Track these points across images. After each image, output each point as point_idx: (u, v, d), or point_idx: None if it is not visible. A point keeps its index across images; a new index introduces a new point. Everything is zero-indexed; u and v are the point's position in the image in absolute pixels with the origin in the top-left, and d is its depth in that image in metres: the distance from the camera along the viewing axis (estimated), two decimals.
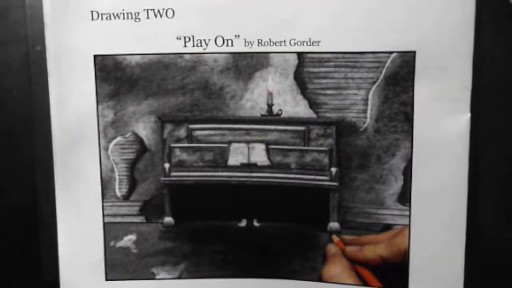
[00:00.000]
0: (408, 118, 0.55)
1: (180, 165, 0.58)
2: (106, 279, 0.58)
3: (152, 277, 0.59)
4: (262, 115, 0.56)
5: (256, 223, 0.58)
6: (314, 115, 0.56)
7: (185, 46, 0.55)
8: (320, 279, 0.58)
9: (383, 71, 0.55)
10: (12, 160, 0.70)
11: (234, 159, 0.57)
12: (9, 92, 0.70)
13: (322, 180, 0.57)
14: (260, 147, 0.57)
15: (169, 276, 0.58)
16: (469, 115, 0.55)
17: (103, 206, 0.58)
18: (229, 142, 0.57)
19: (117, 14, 0.55)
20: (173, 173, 0.57)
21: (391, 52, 0.54)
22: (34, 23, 0.68)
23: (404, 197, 0.56)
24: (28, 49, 0.69)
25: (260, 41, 0.55)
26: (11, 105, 0.69)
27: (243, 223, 0.58)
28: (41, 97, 0.67)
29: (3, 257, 0.70)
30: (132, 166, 0.57)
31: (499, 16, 0.57)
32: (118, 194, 0.57)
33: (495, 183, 0.59)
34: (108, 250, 0.58)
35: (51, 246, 0.68)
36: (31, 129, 0.69)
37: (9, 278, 0.70)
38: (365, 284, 0.57)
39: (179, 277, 0.58)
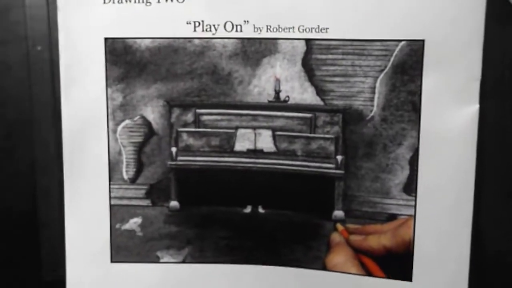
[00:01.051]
0: (416, 108, 0.55)
1: (187, 150, 0.58)
2: (111, 261, 0.59)
3: (156, 260, 0.59)
4: (269, 101, 0.56)
5: (261, 210, 0.58)
6: (321, 102, 0.56)
7: (194, 31, 0.55)
8: (323, 267, 0.58)
9: (391, 60, 0.55)
10: (12, 160, 0.70)
11: (241, 145, 0.57)
12: (9, 92, 0.70)
13: (328, 168, 0.57)
14: (267, 133, 0.57)
15: (173, 260, 0.59)
16: (477, 106, 0.55)
17: (110, 188, 0.58)
18: (236, 128, 0.57)
19: None
20: (179, 158, 0.58)
21: (399, 41, 0.54)
22: (35, 23, 0.68)
23: (410, 187, 0.56)
24: (29, 49, 0.69)
25: (269, 27, 0.55)
26: (11, 105, 0.70)
27: (248, 209, 0.58)
28: (41, 97, 0.68)
29: (3, 257, 0.71)
30: (139, 149, 0.58)
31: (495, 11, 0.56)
32: (125, 177, 0.58)
33: (502, 174, 0.59)
34: (113, 232, 0.59)
35: (50, 246, 0.69)
36: (31, 129, 0.69)
37: (9, 278, 0.71)
38: (368, 274, 0.57)
39: (183, 261, 0.59)
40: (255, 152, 0.57)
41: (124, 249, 0.59)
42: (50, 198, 0.68)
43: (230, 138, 0.57)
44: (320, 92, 0.56)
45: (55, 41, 0.67)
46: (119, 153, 0.58)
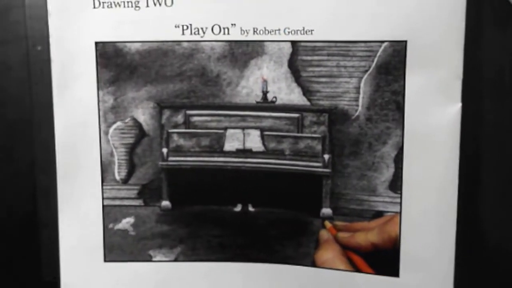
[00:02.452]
0: (399, 107, 0.56)
1: (178, 150, 0.59)
2: (105, 261, 0.60)
3: (149, 259, 0.60)
4: (257, 102, 0.58)
5: (251, 208, 0.59)
6: (307, 103, 0.57)
7: (183, 34, 0.57)
8: (313, 264, 0.59)
9: (375, 60, 0.56)
10: (12, 160, 0.70)
11: (230, 145, 0.59)
12: (9, 92, 0.70)
13: (315, 166, 0.58)
14: (255, 133, 0.58)
15: (166, 259, 0.60)
16: (460, 104, 0.56)
17: (102, 189, 0.59)
18: (225, 128, 0.58)
19: (118, 3, 0.57)
20: (170, 158, 0.59)
21: (382, 42, 0.56)
22: (34, 23, 0.68)
23: (396, 184, 0.57)
24: (28, 49, 0.69)
25: (255, 29, 0.56)
26: (11, 105, 0.70)
27: (238, 207, 0.59)
28: (41, 97, 0.68)
29: (2, 257, 0.71)
30: (131, 150, 0.59)
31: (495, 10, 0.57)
32: (117, 177, 0.59)
33: (486, 171, 0.60)
34: (107, 232, 0.60)
35: (50, 246, 0.69)
36: (31, 129, 0.69)
37: (8, 278, 0.71)
38: (357, 270, 0.58)
39: (176, 260, 0.60)
40: (244, 152, 0.59)
41: (117, 248, 0.60)
42: (50, 198, 0.68)
43: (219, 139, 0.59)
44: (306, 92, 0.57)
45: None
46: (111, 154, 0.60)
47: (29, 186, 0.70)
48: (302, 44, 0.56)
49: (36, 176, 0.69)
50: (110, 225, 0.59)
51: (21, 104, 0.70)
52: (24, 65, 0.69)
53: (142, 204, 0.60)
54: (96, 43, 0.57)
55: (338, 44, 0.56)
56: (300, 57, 0.57)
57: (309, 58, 0.57)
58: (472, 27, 0.57)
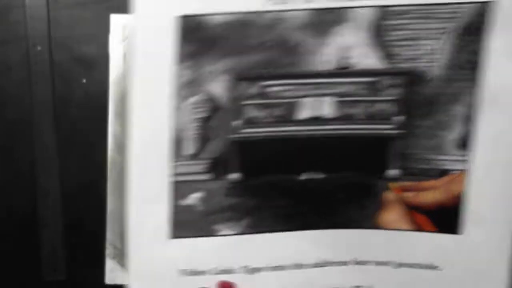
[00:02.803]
0: (477, 67, 0.55)
1: (250, 122, 0.57)
2: (171, 237, 0.58)
3: (215, 233, 0.58)
4: (334, 69, 0.55)
5: (317, 175, 0.58)
6: (386, 66, 0.55)
7: (266, 3, 0.53)
8: (377, 226, 0.59)
9: (458, 21, 0.54)
10: (12, 160, 0.70)
11: (303, 113, 0.57)
12: (9, 92, 0.70)
13: (388, 129, 0.57)
14: (329, 100, 0.56)
15: (232, 232, 0.58)
16: None
17: (172, 165, 0.56)
18: (299, 97, 0.56)
19: None
20: (243, 130, 0.56)
21: (468, 3, 0.54)
22: (35, 22, 0.68)
23: (464, 143, 0.57)
24: (29, 49, 0.69)
25: None
26: (11, 105, 0.70)
27: (305, 175, 0.58)
28: (41, 97, 0.69)
29: (3, 257, 0.71)
30: (203, 124, 0.56)
31: None
32: (188, 152, 0.57)
33: None
34: (174, 208, 0.57)
35: (51, 246, 0.70)
36: (31, 129, 0.69)
37: (9, 278, 0.71)
38: (420, 229, 0.59)
39: (242, 233, 0.58)
40: (317, 119, 0.57)
41: (184, 224, 0.58)
42: (50, 198, 0.69)
43: (293, 107, 0.57)
44: (386, 56, 0.55)
45: (55, 41, 0.69)
46: (183, 130, 0.56)
47: (29, 186, 0.70)
48: (387, 9, 0.54)
49: (36, 176, 0.70)
50: (179, 202, 0.57)
51: (21, 104, 0.69)
52: (24, 65, 0.69)
53: (212, 178, 0.58)
54: (178, 17, 0.52)
55: (423, 7, 0.54)
56: (383, 22, 0.54)
57: (392, 22, 0.54)
58: None
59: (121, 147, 0.68)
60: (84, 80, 0.70)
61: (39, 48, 0.69)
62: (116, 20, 0.69)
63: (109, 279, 0.69)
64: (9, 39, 0.69)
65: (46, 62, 0.69)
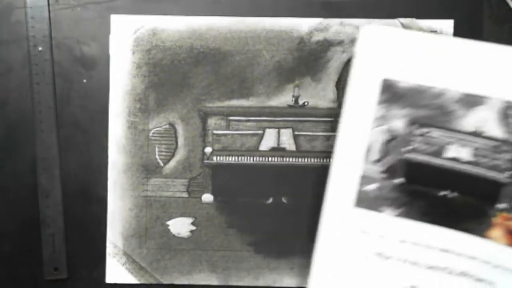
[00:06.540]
0: None
1: (414, 151, 0.69)
2: (354, 206, 0.68)
3: (380, 211, 0.69)
4: (472, 132, 0.67)
5: (452, 194, 0.68)
6: (507, 137, 0.67)
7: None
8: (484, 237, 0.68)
9: None
10: (13, 159, 0.70)
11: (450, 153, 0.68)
12: (10, 91, 0.70)
13: (506, 177, 0.67)
14: (470, 152, 0.68)
15: (392, 214, 0.68)
16: None
17: (362, 165, 0.68)
18: (446, 144, 0.68)
19: None
20: (410, 153, 0.69)
21: None
22: (36, 23, 0.69)
23: None
24: (30, 49, 0.70)
25: None
26: (13, 105, 0.70)
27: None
28: (42, 97, 0.69)
29: (4, 257, 0.71)
30: (385, 143, 0.68)
31: None
32: (373, 159, 0.68)
33: None
34: (359, 191, 0.68)
35: (52, 245, 0.70)
36: (32, 129, 0.69)
37: (10, 278, 0.71)
38: None
39: (398, 215, 0.68)
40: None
41: (363, 201, 0.68)
42: (50, 198, 0.69)
43: (442, 149, 0.69)
44: (508, 132, 0.67)
45: (55, 42, 0.69)
46: (372, 145, 0.68)
47: (30, 186, 0.70)
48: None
49: (37, 176, 0.70)
50: (362, 187, 0.68)
51: (22, 104, 0.70)
52: (25, 65, 0.70)
53: (384, 177, 0.68)
54: (384, 79, 0.67)
55: None
56: (508, 112, 0.66)
57: None
58: None
59: (121, 147, 0.69)
60: (85, 80, 0.69)
61: (40, 48, 0.69)
62: (116, 20, 0.69)
63: (109, 278, 0.70)
64: (10, 40, 0.70)
65: (47, 62, 0.69)
